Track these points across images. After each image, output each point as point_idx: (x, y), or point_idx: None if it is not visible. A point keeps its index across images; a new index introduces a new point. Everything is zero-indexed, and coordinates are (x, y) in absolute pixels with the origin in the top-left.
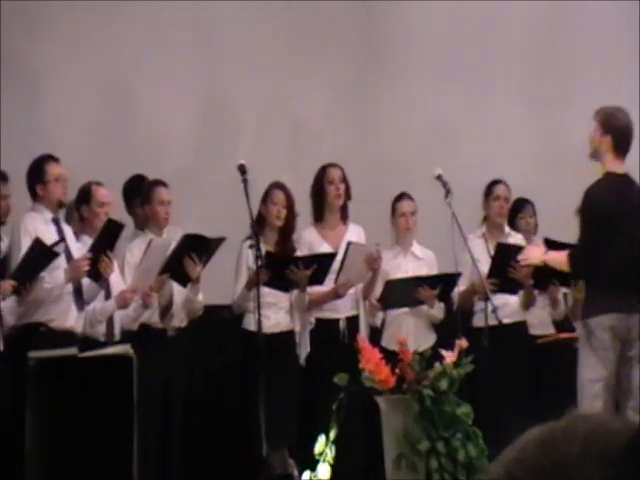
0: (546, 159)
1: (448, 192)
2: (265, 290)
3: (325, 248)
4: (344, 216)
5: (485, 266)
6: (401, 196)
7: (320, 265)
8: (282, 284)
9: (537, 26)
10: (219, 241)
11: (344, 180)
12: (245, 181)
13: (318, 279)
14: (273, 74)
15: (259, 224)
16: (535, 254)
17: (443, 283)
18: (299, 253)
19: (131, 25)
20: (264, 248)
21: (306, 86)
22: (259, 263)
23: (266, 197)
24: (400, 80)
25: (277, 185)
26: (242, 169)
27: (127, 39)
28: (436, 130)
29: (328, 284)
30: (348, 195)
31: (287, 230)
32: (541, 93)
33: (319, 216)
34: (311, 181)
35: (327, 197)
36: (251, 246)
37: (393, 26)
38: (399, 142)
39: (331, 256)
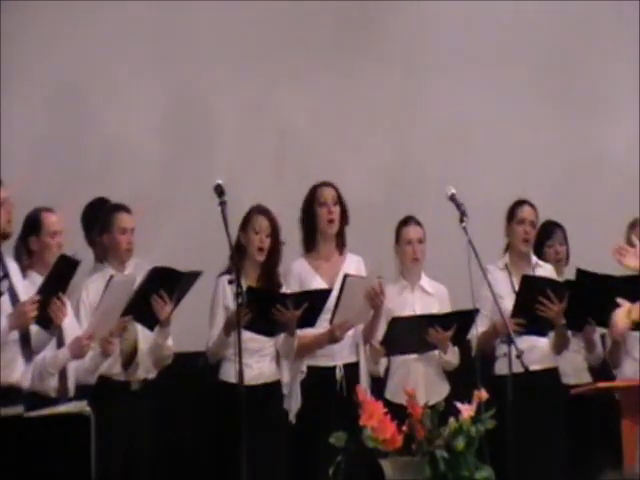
0: (576, 173)
1: (463, 215)
2: (247, 334)
3: (318, 283)
4: (340, 244)
5: (509, 302)
6: (407, 220)
7: (312, 303)
8: (267, 326)
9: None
10: (193, 276)
11: (339, 202)
12: (223, 204)
13: (310, 320)
14: (256, 78)
15: (239, 255)
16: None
17: (458, 323)
18: (286, 289)
19: (86, 23)
20: (245, 284)
21: (294, 91)
22: (239, 301)
23: (246, 224)
24: (403, 83)
25: (259, 210)
26: (219, 190)
27: (82, 39)
28: (446, 140)
29: (322, 326)
30: (344, 219)
31: (272, 262)
32: (570, 96)
33: (310, 245)
34: (300, 203)
35: (319, 222)
36: (230, 281)
37: (393, 24)
38: (404, 155)
39: (325, 292)
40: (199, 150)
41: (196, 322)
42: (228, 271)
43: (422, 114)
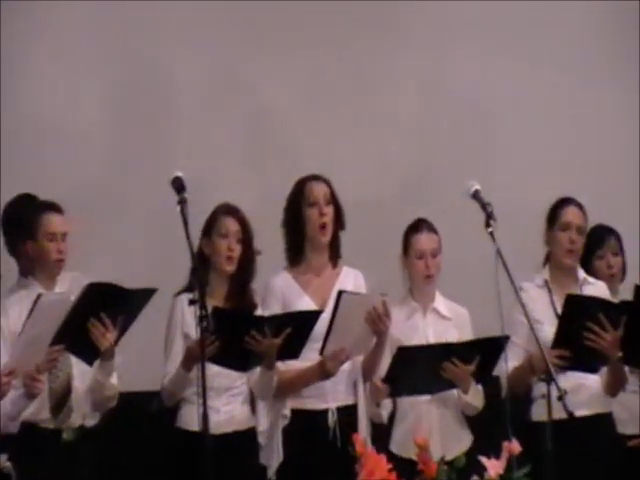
0: (630, 169)
1: (490, 217)
2: (213, 369)
3: (305, 303)
4: (334, 255)
5: (549, 329)
6: (418, 226)
7: (297, 328)
8: (238, 359)
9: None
10: (144, 294)
11: (333, 201)
12: (183, 203)
13: (294, 350)
14: (227, 47)
15: (202, 267)
16: None
17: (483, 354)
18: (264, 311)
19: None
20: (210, 304)
21: (275, 64)
22: (203, 327)
23: (211, 227)
24: (416, 56)
25: (226, 209)
26: (178, 184)
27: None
28: (467, 128)
29: (309, 357)
30: (340, 223)
31: (244, 275)
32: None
33: (296, 255)
34: (283, 203)
35: (308, 227)
36: (191, 302)
37: None
38: (414, 145)
39: (314, 315)
40: (154, 136)
41: (148, 354)
42: (189, 288)
43: (438, 95)
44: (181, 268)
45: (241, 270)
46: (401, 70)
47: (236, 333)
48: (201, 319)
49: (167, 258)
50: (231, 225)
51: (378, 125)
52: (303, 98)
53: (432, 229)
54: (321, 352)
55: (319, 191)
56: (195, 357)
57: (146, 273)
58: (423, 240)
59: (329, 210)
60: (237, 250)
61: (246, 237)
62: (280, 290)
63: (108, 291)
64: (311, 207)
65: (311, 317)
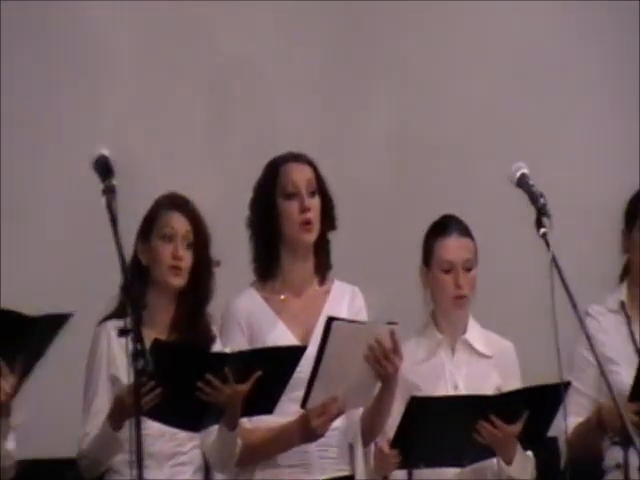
0: None
1: (542, 214)
2: (152, 428)
3: (281, 335)
4: (321, 265)
5: (626, 372)
6: (444, 225)
7: (271, 372)
8: (187, 414)
9: None
10: (54, 322)
11: (320, 190)
12: (109, 192)
13: (266, 402)
14: None
15: (138, 283)
16: None
17: (533, 408)
18: (224, 345)
19: None
20: (149, 335)
21: (237, 8)
22: (139, 368)
23: (149, 227)
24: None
25: (172, 202)
26: (103, 166)
27: None
28: (502, 96)
29: (287, 410)
30: (329, 222)
31: (196, 296)
32: None
33: (267, 267)
34: (249, 193)
35: (285, 226)
36: (121, 332)
37: None
38: (425, 118)
39: (295, 352)
40: (74, 100)
41: (61, 407)
42: (118, 313)
43: (456, 59)
44: (108, 284)
45: (192, 287)
46: (401, 18)
47: (185, 377)
48: (135, 356)
49: (88, 270)
50: (178, 224)
51: (375, 94)
52: (274, 55)
53: (465, 231)
54: (303, 404)
55: (300, 176)
56: (126, 410)
57: (57, 293)
58: (452, 247)
59: (314, 203)
60: (187, 259)
61: (199, 241)
62: (245, 316)
63: (2, 319)
64: (289, 199)
65: (290, 355)
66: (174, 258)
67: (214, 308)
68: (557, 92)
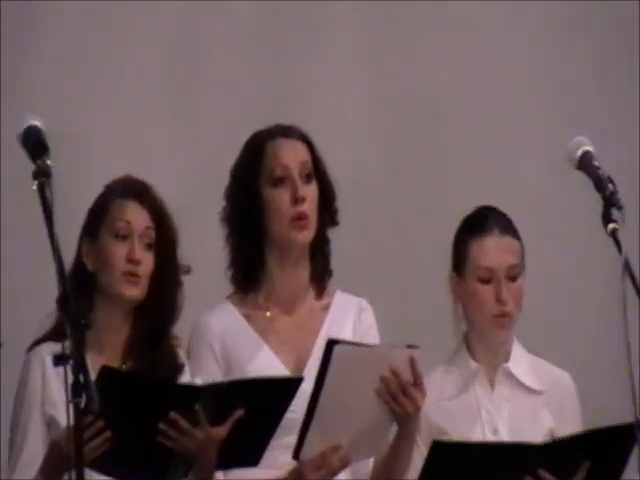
0: None
1: (611, 203)
2: None
3: (267, 363)
4: (319, 272)
5: None
6: (482, 220)
7: (255, 410)
8: (146, 465)
9: None
10: None
11: (317, 174)
12: (43, 175)
13: (250, 450)
14: None
15: (82, 294)
16: None
17: (597, 457)
18: (193, 376)
19: None
20: (96, 362)
21: None
22: (81, 405)
23: (98, 221)
24: None
25: (128, 189)
26: (34, 142)
27: None
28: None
29: (275, 461)
30: (329, 215)
31: (158, 312)
32: None
33: (249, 274)
34: (223, 180)
35: (271, 222)
36: (58, 359)
37: None
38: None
39: (288, 385)
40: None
41: None
42: (54, 334)
43: None
44: (43, 296)
45: (153, 300)
46: None
47: (143, 416)
48: (76, 390)
49: (17, 278)
50: (135, 217)
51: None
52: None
53: (508, 227)
54: (296, 454)
55: (291, 156)
56: (65, 461)
57: None
58: (492, 249)
59: (310, 191)
60: (146, 263)
61: (163, 240)
62: (220, 338)
63: None
64: (277, 186)
65: (282, 389)
66: (130, 262)
67: (181, 328)
68: None
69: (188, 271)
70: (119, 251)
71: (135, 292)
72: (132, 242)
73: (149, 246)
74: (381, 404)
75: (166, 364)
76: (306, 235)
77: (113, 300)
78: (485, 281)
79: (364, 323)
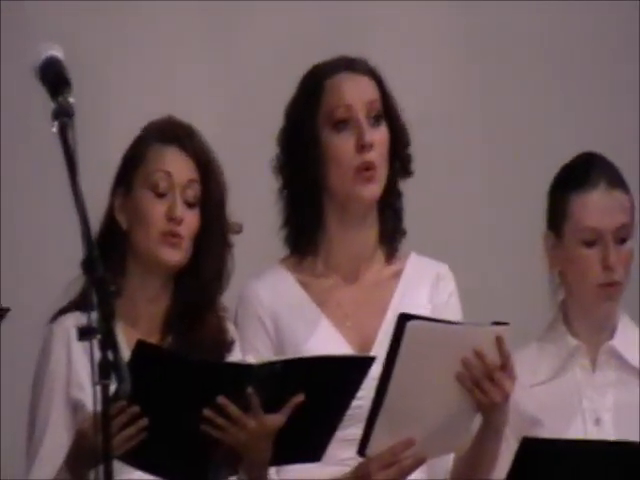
0: None
1: None
2: (133, 477)
3: (327, 341)
4: (389, 233)
5: None
6: (582, 170)
7: (318, 396)
8: (188, 460)
9: None
10: None
11: (388, 114)
12: (64, 115)
13: (310, 444)
14: None
15: (112, 257)
16: None
17: None
18: (244, 353)
19: None
20: (130, 337)
21: None
22: (110, 388)
23: (133, 171)
24: None
25: (168, 132)
26: (53, 74)
27: None
28: None
29: (336, 457)
30: (402, 165)
31: (203, 278)
32: None
33: (305, 236)
34: (272, 124)
35: (331, 172)
36: (82, 332)
37: None
38: None
39: (357, 364)
40: None
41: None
42: (79, 303)
43: None
44: (68, 260)
45: (198, 266)
46: None
47: (184, 402)
48: (104, 370)
49: (39, 238)
50: (177, 167)
51: None
52: None
53: (616, 179)
54: (361, 450)
55: (357, 94)
56: (92, 453)
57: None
58: (599, 206)
59: (378, 136)
60: (190, 222)
61: (211, 194)
62: (271, 309)
63: None
64: (339, 129)
65: (351, 370)
66: (170, 220)
67: (229, 298)
68: None
69: (240, 230)
70: (157, 207)
71: (176, 256)
72: (173, 197)
73: (193, 202)
74: (462, 391)
75: (212, 340)
76: (373, 189)
77: (150, 264)
78: (589, 244)
79: (443, 293)
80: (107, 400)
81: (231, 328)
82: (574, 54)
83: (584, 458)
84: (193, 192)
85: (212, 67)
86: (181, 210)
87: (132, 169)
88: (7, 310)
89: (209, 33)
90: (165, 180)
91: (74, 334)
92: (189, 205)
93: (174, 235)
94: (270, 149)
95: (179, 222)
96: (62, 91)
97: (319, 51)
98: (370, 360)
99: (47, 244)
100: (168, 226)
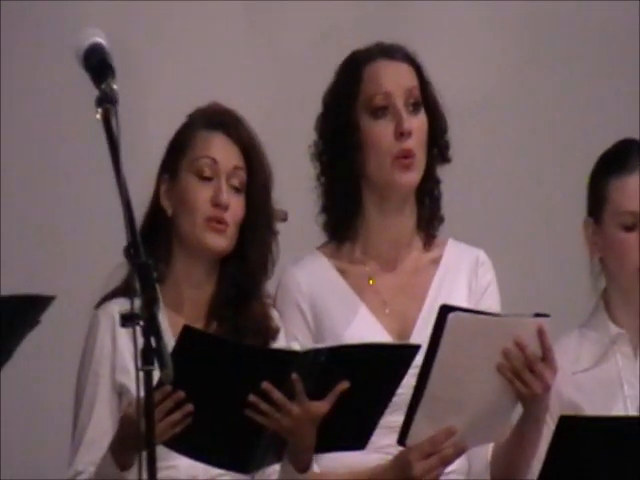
0: None
1: None
2: (180, 465)
3: (366, 329)
4: (428, 219)
5: None
6: (621, 155)
7: (363, 383)
8: (232, 446)
9: None
10: (29, 306)
11: (427, 102)
12: (108, 102)
13: (354, 432)
14: None
15: (157, 244)
16: None
17: None
18: (287, 339)
19: None
20: (174, 323)
21: None
22: (154, 374)
23: (178, 158)
24: None
25: (215, 118)
26: (97, 61)
27: None
28: None
29: (377, 445)
30: (440, 151)
31: (248, 265)
32: None
33: (343, 223)
34: (311, 110)
35: (370, 159)
36: (125, 318)
37: None
38: None
39: (402, 353)
40: None
41: (42, 426)
42: (124, 290)
43: None
44: (110, 248)
45: (243, 252)
46: None
47: (230, 387)
48: (148, 356)
49: (79, 228)
50: (223, 153)
51: None
52: None
53: None
54: (402, 439)
55: (395, 81)
56: (137, 438)
57: (35, 262)
58: (637, 189)
59: (417, 123)
60: (235, 208)
61: (256, 181)
62: (309, 296)
63: None
64: (377, 117)
65: (395, 358)
66: (215, 206)
67: (273, 285)
68: None
69: (285, 218)
70: (203, 193)
71: (221, 242)
72: (218, 183)
73: (238, 188)
74: (503, 382)
75: (257, 326)
76: (412, 176)
77: (195, 250)
78: (629, 228)
79: (481, 280)
80: (150, 386)
81: (275, 315)
82: (618, 42)
83: (622, 435)
84: (238, 179)
85: (256, 52)
86: (227, 196)
87: (178, 155)
88: (52, 298)
89: (252, 18)
90: (210, 167)
91: (118, 320)
92: (235, 191)
93: (219, 221)
94: (313, 136)
95: (225, 208)
96: (106, 78)
97: (359, 37)
98: (415, 349)
99: (92, 231)
100: (214, 212)
